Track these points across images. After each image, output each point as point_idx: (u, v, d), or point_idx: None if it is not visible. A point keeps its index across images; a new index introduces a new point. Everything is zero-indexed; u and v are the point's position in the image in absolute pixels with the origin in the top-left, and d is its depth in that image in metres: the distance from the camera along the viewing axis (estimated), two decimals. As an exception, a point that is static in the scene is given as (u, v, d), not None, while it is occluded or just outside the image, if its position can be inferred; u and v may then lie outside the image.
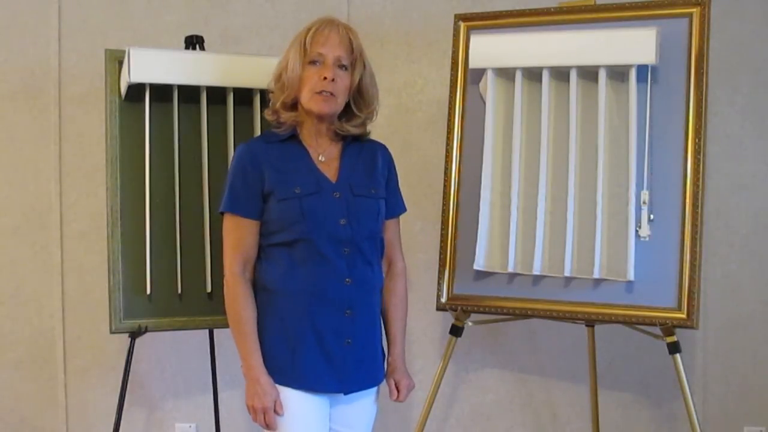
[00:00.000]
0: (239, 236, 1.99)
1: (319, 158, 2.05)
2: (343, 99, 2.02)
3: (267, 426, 1.95)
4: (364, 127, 2.11)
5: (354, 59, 2.02)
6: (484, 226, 2.43)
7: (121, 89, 2.46)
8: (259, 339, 1.97)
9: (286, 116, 2.03)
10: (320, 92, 1.98)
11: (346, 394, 2.02)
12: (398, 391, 2.11)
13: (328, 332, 1.98)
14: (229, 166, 2.07)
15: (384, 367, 2.11)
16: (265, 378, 1.94)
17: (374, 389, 2.09)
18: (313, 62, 1.99)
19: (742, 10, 2.86)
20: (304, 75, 1.99)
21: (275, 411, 1.93)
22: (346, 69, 2.01)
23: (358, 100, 2.07)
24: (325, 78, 1.97)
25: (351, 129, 2.07)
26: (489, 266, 2.42)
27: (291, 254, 1.97)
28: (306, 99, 2.00)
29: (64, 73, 3.06)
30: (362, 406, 2.07)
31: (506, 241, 2.40)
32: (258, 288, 2.01)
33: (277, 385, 1.95)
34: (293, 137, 2.04)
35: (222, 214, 2.02)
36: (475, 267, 2.41)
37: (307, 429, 1.97)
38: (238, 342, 1.97)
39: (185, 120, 2.50)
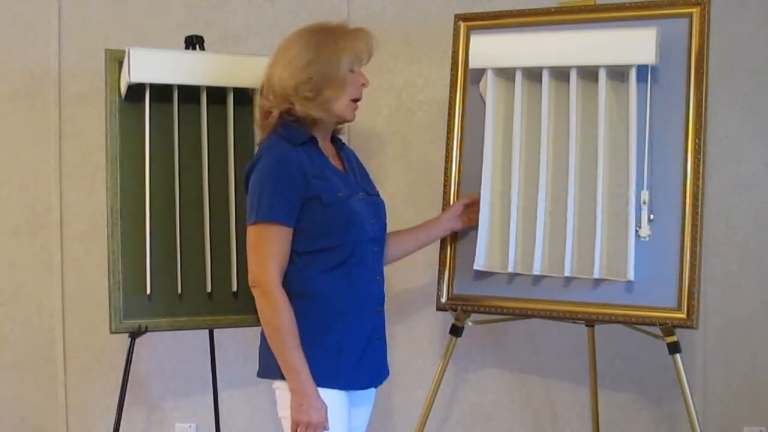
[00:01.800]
0: (279, 245, 1.93)
1: (331, 161, 2.06)
2: None
3: None
4: None
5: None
6: (484, 226, 2.42)
7: (121, 89, 2.46)
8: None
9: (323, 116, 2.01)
10: (356, 100, 2.02)
11: (376, 387, 2.08)
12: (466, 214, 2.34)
13: (366, 331, 2.01)
14: (250, 172, 2.00)
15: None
16: (316, 392, 1.90)
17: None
18: (351, 70, 2.01)
19: (742, 10, 2.86)
20: (347, 82, 2.00)
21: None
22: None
23: None
24: (363, 85, 2.02)
25: (340, 131, 2.16)
26: (489, 266, 2.42)
27: (330, 258, 1.96)
28: (342, 106, 2.00)
29: (64, 73, 3.06)
30: (369, 400, 2.13)
31: (506, 241, 2.40)
32: (293, 294, 1.95)
33: (321, 388, 1.92)
34: (311, 140, 2.03)
35: (255, 222, 1.93)
36: (475, 267, 2.41)
37: (346, 428, 1.98)
38: (285, 356, 1.90)
39: (185, 120, 2.51)
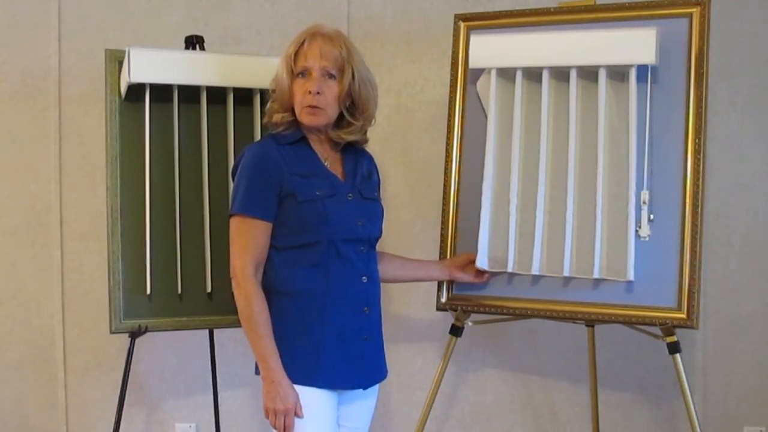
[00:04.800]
0: (254, 238, 1.97)
1: (325, 162, 2.07)
2: (333, 109, 2.04)
3: (285, 429, 1.93)
4: (362, 133, 2.13)
5: (340, 67, 2.02)
6: (486, 226, 2.42)
7: (121, 89, 2.46)
8: (277, 342, 1.95)
9: (278, 117, 2.06)
10: (307, 106, 2.01)
11: (365, 389, 2.06)
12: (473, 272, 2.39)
13: (349, 331, 2.01)
14: (236, 167, 2.05)
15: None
16: (286, 380, 1.93)
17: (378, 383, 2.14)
18: (301, 74, 2.02)
19: (742, 10, 2.86)
20: (293, 87, 2.03)
21: (295, 413, 1.93)
22: (334, 78, 2.02)
23: (352, 107, 2.08)
24: (309, 92, 2.00)
25: (346, 136, 2.09)
26: (491, 265, 2.42)
27: (309, 256, 1.99)
28: (297, 112, 2.04)
29: (64, 73, 3.06)
30: (368, 400, 2.12)
31: (505, 241, 2.40)
32: (271, 292, 1.99)
33: (299, 386, 1.95)
34: (302, 139, 2.06)
35: (232, 215, 2.00)
36: (477, 265, 2.40)
37: (328, 427, 1.99)
38: (256, 345, 1.95)
39: (185, 120, 2.50)
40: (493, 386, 3.04)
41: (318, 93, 2.00)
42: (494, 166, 2.44)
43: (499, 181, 2.44)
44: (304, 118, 2.03)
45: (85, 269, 3.07)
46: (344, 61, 2.03)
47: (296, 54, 2.02)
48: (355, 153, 2.15)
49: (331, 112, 2.04)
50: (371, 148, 2.23)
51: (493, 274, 2.43)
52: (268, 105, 2.10)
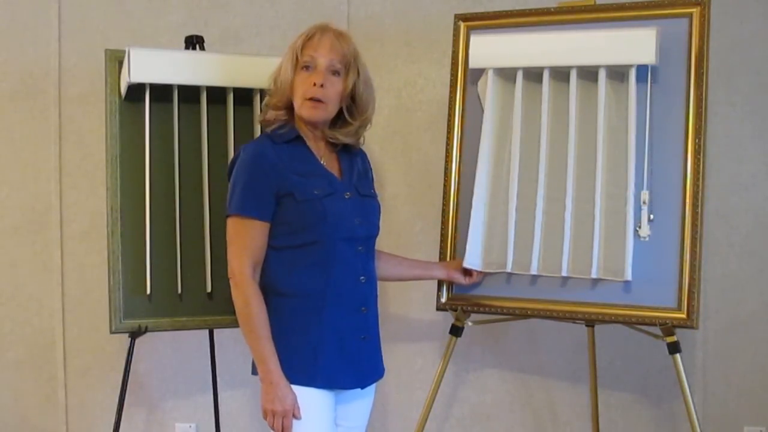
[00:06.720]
0: (252, 239, 1.96)
1: (321, 161, 2.06)
2: (334, 106, 2.03)
3: (283, 430, 1.93)
4: (358, 136, 2.13)
5: (347, 64, 2.02)
6: (476, 225, 2.41)
7: (121, 89, 2.46)
8: (275, 343, 1.95)
9: (272, 114, 2.05)
10: (310, 99, 1.99)
11: (362, 388, 2.06)
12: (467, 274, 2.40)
13: (347, 331, 2.01)
14: (232, 167, 2.03)
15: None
16: (284, 381, 1.93)
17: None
18: (305, 67, 2.00)
19: (742, 10, 2.86)
20: (296, 81, 2.01)
21: (293, 414, 1.93)
22: (338, 75, 2.02)
23: (351, 107, 2.08)
24: (314, 84, 1.98)
25: (342, 137, 2.08)
26: (479, 264, 2.41)
27: (307, 256, 1.98)
28: (297, 105, 2.02)
29: (64, 73, 3.06)
30: (365, 399, 2.12)
31: (504, 241, 2.40)
32: (269, 292, 1.98)
33: (298, 386, 1.94)
34: (298, 138, 2.04)
35: (228, 215, 1.98)
36: (464, 265, 2.40)
37: (326, 427, 2.00)
38: (254, 346, 1.94)
39: (185, 120, 2.51)
40: (493, 386, 3.04)
41: (322, 86, 1.98)
42: (489, 166, 2.44)
43: (497, 181, 2.44)
44: (305, 112, 2.00)
45: (85, 269, 3.07)
46: (352, 58, 2.03)
47: (304, 46, 2.00)
48: (349, 151, 2.14)
49: (332, 108, 2.03)
50: (371, 148, 2.23)
51: (489, 273, 2.43)
52: (265, 101, 2.09)
